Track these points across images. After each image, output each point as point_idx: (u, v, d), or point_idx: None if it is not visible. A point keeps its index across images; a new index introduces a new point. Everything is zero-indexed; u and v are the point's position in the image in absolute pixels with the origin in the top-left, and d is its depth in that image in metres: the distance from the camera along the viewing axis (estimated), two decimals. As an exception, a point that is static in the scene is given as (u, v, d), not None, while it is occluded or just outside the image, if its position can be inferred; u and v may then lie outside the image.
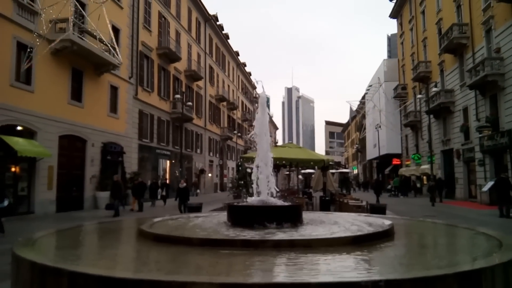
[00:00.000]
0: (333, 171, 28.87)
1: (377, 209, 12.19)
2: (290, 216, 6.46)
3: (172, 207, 20.62)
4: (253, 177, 6.68)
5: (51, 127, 17.84)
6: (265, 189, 6.89)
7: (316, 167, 20.96)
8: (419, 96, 31.22)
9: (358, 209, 15.25)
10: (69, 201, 18.97)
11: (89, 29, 19.23)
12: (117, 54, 15.58)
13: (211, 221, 7.21)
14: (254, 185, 6.72)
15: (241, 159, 22.81)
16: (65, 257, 4.43)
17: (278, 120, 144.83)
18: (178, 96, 28.80)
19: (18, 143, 15.37)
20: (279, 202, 6.82)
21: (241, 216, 6.54)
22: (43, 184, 17.29)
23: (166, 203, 24.02)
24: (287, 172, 30.76)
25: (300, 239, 4.80)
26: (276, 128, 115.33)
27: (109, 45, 16.14)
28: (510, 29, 20.35)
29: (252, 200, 6.88)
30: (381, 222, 6.99)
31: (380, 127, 44.10)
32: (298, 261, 4.16)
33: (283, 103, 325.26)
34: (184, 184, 17.83)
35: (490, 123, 22.04)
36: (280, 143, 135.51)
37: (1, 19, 15.12)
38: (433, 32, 32.31)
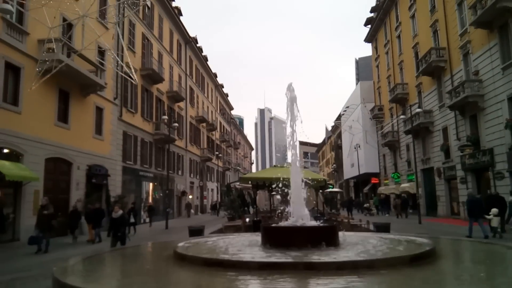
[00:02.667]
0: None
1: (382, 228, 12.28)
2: (327, 237, 6.37)
3: (141, 238, 17.70)
4: (290, 198, 6.62)
5: (38, 149, 17.13)
6: (298, 210, 6.81)
7: (306, 186, 20.99)
8: (401, 116, 32.13)
9: (357, 228, 15.33)
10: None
11: (78, 50, 18.82)
12: (132, 75, 15.22)
13: (242, 243, 7.03)
14: (290, 207, 6.66)
15: (234, 182, 22.67)
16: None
17: (251, 140, 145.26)
18: (165, 117, 28.50)
19: (5, 167, 14.62)
20: (315, 223, 6.74)
21: (277, 237, 6.40)
22: (29, 210, 16.41)
23: (135, 231, 20.45)
24: (274, 193, 30.62)
25: (363, 260, 4.73)
26: (251, 148, 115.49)
27: (123, 64, 15.84)
28: (487, 53, 21.44)
29: (286, 222, 6.78)
30: (408, 240, 7.02)
31: (359, 147, 44.97)
32: (383, 282, 4.07)
33: (255, 124, 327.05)
34: (120, 212, 12.34)
35: (471, 142, 22.89)
36: (254, 163, 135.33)
37: (-10, 38, 14.59)
38: (410, 55, 33.64)
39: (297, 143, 6.97)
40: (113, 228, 12.30)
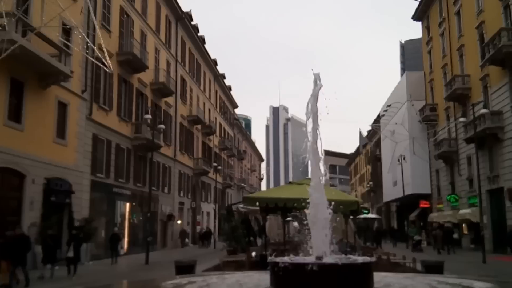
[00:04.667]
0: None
1: (433, 268, 12.22)
2: (357, 279, 6.32)
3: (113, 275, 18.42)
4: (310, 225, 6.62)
5: (-19, 157, 17.37)
6: (321, 243, 6.78)
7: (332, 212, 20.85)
8: (461, 119, 31.90)
9: (400, 267, 15.25)
10: None
11: (36, 27, 19.12)
12: (106, 60, 15.41)
13: (246, 285, 7.04)
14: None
15: (237, 204, 22.75)
16: None
17: (261, 148, 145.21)
18: (148, 116, 28.67)
19: None
20: (341, 260, 6.70)
21: (291, 278, 6.37)
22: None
23: (76, 269, 18.37)
24: (289, 219, 30.65)
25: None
26: (261, 159, 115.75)
27: (94, 47, 16.08)
28: None
29: (305, 257, 6.76)
30: (467, 286, 6.97)
31: (404, 159, 44.77)
32: None
33: (267, 126, 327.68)
34: None
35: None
36: (264, 178, 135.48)
37: None
38: (473, 38, 33.56)
39: (320, 160, 6.99)
40: None
